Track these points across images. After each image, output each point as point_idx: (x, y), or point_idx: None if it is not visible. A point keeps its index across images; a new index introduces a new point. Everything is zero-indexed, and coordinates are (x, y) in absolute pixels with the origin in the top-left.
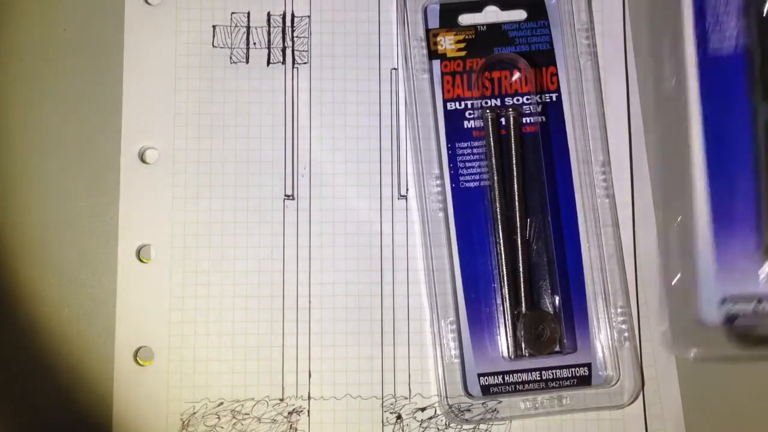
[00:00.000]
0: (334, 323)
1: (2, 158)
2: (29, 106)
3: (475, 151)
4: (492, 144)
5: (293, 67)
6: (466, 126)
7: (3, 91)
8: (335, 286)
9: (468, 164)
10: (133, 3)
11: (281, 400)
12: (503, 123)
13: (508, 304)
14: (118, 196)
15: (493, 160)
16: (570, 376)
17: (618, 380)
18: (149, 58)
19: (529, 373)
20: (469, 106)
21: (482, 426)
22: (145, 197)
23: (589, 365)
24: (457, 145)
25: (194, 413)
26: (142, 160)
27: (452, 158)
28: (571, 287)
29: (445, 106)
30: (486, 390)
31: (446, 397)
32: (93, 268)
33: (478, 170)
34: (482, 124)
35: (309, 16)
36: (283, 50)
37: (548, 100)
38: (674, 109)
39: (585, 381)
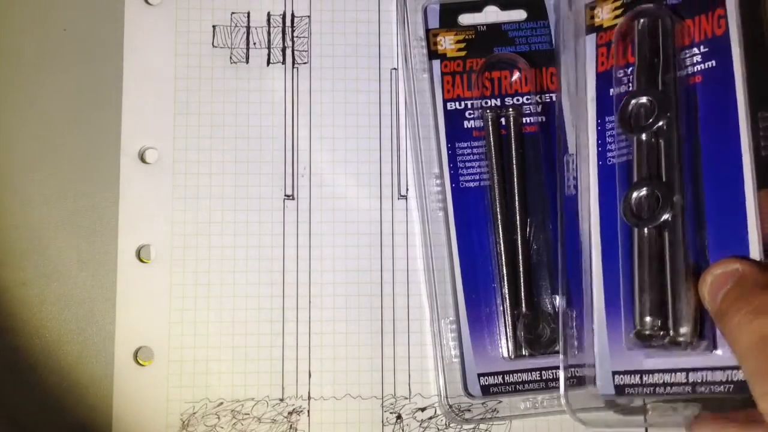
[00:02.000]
0: (334, 323)
1: (2, 158)
2: (29, 106)
3: (475, 151)
4: (492, 144)
5: (293, 67)
6: (466, 126)
7: (3, 91)
8: (335, 286)
9: (468, 164)
10: (133, 3)
11: (281, 400)
12: (503, 123)
13: (508, 304)
14: (118, 196)
15: (493, 160)
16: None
17: None
18: (149, 58)
19: (529, 373)
20: (469, 106)
21: (482, 426)
22: (145, 197)
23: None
24: (457, 145)
25: (194, 413)
26: (142, 160)
27: (452, 158)
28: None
29: (445, 106)
30: (486, 390)
31: (446, 397)
32: (93, 268)
33: (478, 170)
34: (482, 124)
35: (309, 16)
36: (283, 50)
37: (548, 100)
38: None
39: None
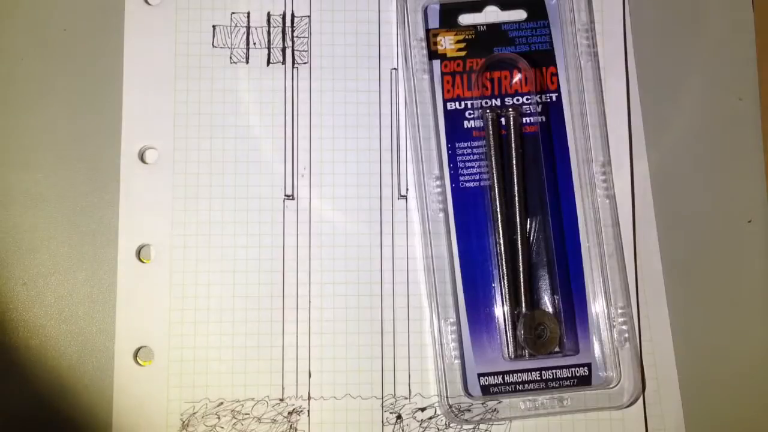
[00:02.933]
0: (334, 323)
1: (2, 158)
2: (29, 106)
3: (475, 151)
4: (492, 144)
5: (293, 67)
6: (466, 126)
7: (3, 91)
8: (335, 286)
9: (468, 164)
10: (133, 3)
11: (281, 400)
12: (503, 123)
13: (508, 304)
14: (118, 196)
15: (493, 160)
16: (570, 376)
17: (618, 381)
18: (149, 58)
19: (529, 373)
20: (469, 106)
21: (482, 426)
22: (145, 197)
23: (589, 365)
24: (457, 145)
25: (194, 413)
26: (142, 160)
27: (452, 158)
28: (571, 287)
29: (445, 106)
30: (486, 390)
31: (446, 397)
32: (93, 268)
33: (478, 170)
34: (482, 124)
35: (309, 16)
36: (283, 50)
37: (548, 100)
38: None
39: (585, 381)
